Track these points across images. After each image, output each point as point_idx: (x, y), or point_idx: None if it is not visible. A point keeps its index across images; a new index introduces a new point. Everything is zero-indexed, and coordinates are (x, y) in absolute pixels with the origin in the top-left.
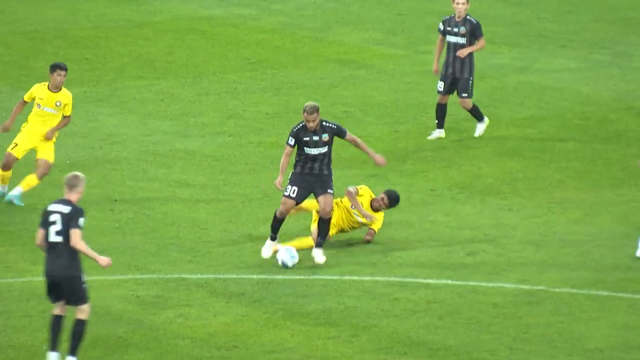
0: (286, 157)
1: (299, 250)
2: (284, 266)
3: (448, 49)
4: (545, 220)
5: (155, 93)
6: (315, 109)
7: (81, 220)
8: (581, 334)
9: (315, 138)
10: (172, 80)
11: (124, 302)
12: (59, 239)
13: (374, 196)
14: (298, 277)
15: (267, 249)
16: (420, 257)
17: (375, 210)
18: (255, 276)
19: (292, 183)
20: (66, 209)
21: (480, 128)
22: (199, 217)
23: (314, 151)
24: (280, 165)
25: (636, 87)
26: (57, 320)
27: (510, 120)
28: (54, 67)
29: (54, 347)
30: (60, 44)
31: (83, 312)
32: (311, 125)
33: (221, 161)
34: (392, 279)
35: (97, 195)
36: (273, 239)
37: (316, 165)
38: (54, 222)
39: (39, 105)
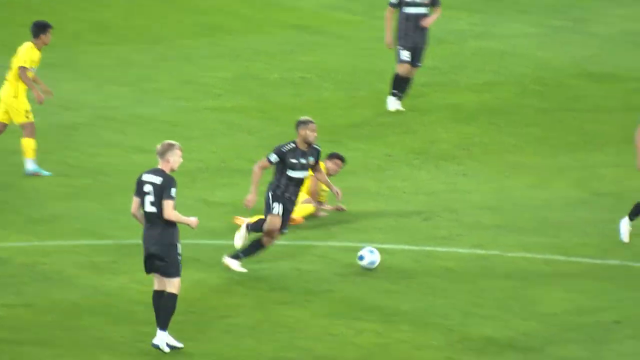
0: (260, 171)
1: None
2: (370, 265)
3: (407, 19)
4: (501, 185)
5: (111, 59)
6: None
7: (173, 191)
8: (536, 299)
9: (303, 161)
10: (129, 45)
11: (78, 267)
12: (153, 209)
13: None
14: None
15: (239, 239)
16: (376, 222)
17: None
18: (210, 242)
19: (276, 200)
20: (158, 180)
21: (395, 104)
22: None
23: (299, 174)
24: (254, 179)
25: (594, 52)
26: (157, 297)
27: (468, 85)
28: (45, 27)
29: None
30: (16, 10)
31: (173, 285)
32: (312, 138)
33: (177, 127)
34: (347, 244)
35: (53, 160)
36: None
37: (297, 189)
38: (148, 193)
39: (33, 68)
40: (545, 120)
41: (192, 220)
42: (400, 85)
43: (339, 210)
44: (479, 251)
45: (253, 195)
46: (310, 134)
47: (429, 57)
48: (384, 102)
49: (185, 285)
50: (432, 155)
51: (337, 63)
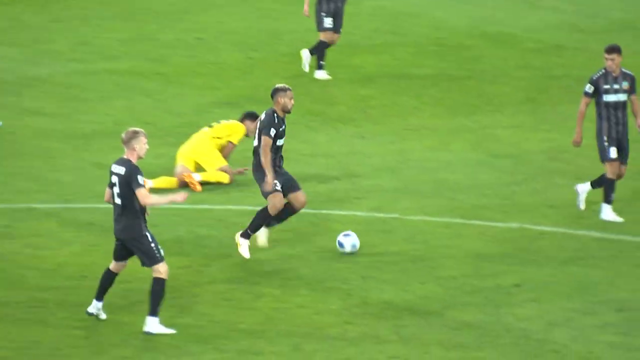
0: (270, 150)
1: (163, 189)
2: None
3: None
4: (400, 147)
5: (4, 19)
6: None
7: (140, 178)
8: (435, 262)
9: (283, 127)
10: (22, 6)
11: None
12: (119, 201)
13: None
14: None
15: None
16: None
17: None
18: (104, 205)
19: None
20: (122, 170)
21: (306, 58)
22: (49, 145)
23: (282, 141)
24: (268, 163)
25: (491, 12)
26: (108, 275)
27: (365, 47)
28: None
29: (98, 296)
30: None
31: (158, 272)
32: (291, 106)
33: (72, 89)
34: (244, 207)
35: None
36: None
37: (280, 158)
38: (115, 184)
39: None
40: (443, 81)
41: (178, 196)
42: (325, 53)
43: (241, 173)
44: (378, 214)
45: (272, 176)
46: (289, 102)
47: None
48: (281, 64)
49: (79, 250)
50: (331, 118)
51: (234, 24)
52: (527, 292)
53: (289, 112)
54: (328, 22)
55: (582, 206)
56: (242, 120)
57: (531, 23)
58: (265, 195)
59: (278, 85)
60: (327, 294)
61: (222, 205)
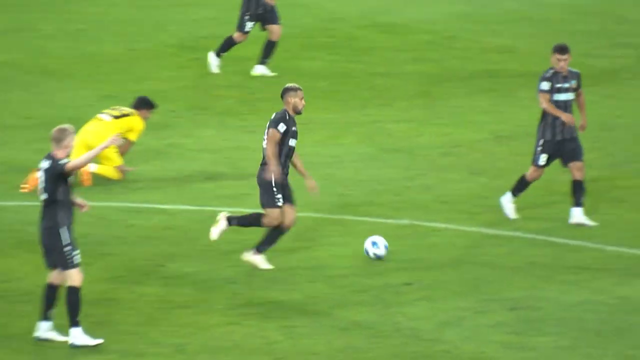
0: (278, 146)
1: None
2: (378, 256)
3: None
4: None
5: None
6: None
7: (63, 160)
8: (324, 260)
9: (295, 127)
10: None
11: None
12: (44, 196)
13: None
14: (29, 203)
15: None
16: (157, 182)
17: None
18: None
19: (279, 189)
20: (47, 164)
21: (261, 71)
22: None
23: (294, 142)
24: (274, 154)
25: (381, 2)
26: (49, 289)
27: (254, 38)
28: None
29: (43, 316)
30: None
31: (70, 278)
32: (302, 107)
33: None
34: (126, 204)
35: None
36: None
37: (290, 161)
38: (39, 179)
39: None
40: (334, 74)
41: (109, 141)
42: (230, 47)
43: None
44: None
45: (279, 168)
46: (300, 102)
47: (205, 6)
48: (165, 56)
49: None
50: (216, 111)
51: (116, 14)
52: (418, 291)
53: (299, 112)
54: (249, 26)
55: (589, 222)
56: (137, 108)
57: (424, 13)
58: (264, 205)
59: (288, 85)
60: (212, 293)
61: (103, 202)
